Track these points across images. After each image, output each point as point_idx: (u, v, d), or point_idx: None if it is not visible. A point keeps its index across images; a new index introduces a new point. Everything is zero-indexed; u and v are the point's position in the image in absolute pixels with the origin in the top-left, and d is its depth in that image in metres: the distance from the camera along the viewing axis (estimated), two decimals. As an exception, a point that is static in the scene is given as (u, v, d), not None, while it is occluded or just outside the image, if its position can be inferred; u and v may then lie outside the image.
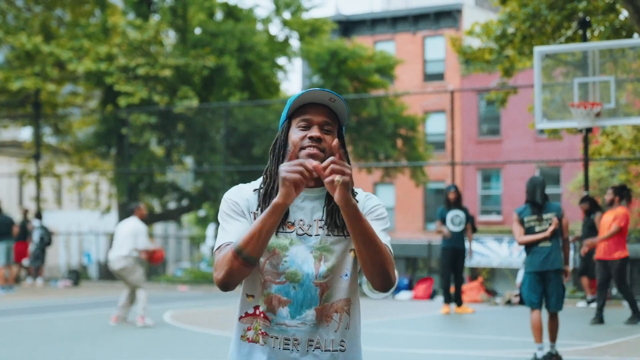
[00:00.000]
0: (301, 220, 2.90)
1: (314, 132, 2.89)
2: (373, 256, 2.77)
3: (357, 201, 2.88)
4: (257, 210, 2.91)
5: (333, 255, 2.89)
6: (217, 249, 2.85)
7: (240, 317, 2.93)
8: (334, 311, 2.89)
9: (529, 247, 9.59)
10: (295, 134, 2.92)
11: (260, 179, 3.00)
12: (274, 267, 2.86)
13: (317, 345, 2.88)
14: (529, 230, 9.58)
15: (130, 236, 13.21)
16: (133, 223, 13.36)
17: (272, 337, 2.87)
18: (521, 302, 9.98)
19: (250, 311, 2.90)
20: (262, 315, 2.88)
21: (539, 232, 9.48)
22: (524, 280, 9.60)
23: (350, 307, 2.93)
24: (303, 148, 2.87)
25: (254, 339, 2.89)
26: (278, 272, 2.86)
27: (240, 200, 2.93)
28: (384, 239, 2.89)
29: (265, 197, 2.91)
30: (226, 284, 2.79)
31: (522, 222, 9.63)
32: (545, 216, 9.55)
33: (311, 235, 2.89)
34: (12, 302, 18.10)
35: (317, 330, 2.87)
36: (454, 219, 15.28)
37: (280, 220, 2.75)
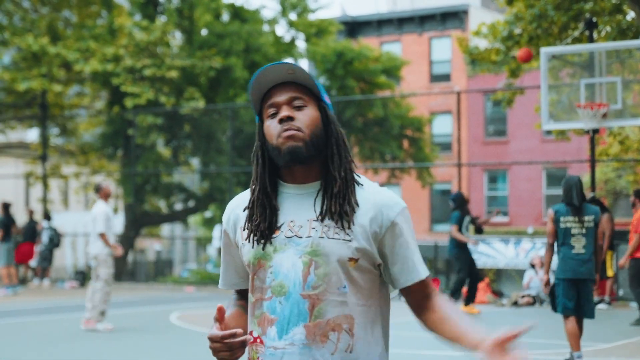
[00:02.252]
0: (292, 222, 2.51)
1: (283, 112, 2.49)
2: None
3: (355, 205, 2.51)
4: (243, 227, 2.60)
5: (326, 261, 2.45)
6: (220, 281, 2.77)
7: (249, 344, 2.57)
8: (330, 329, 2.45)
9: (562, 251, 9.15)
10: (268, 125, 2.54)
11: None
12: (262, 281, 2.52)
13: None
14: (565, 231, 9.11)
15: (91, 222, 12.62)
16: (96, 207, 12.63)
17: None
18: (553, 308, 9.40)
19: (250, 338, 2.54)
20: (258, 340, 2.52)
21: (577, 235, 9.07)
22: (557, 286, 9.16)
23: (354, 327, 2.48)
24: (278, 135, 2.49)
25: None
26: (265, 286, 2.50)
27: (228, 225, 2.65)
28: (424, 267, 2.57)
29: (251, 215, 2.57)
30: None
31: (556, 222, 9.16)
32: (585, 218, 9.09)
33: (301, 237, 2.47)
34: (19, 303, 18.13)
35: (309, 352, 2.44)
36: (467, 225, 15.30)
37: None
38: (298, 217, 2.51)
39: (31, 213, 24.37)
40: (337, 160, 2.52)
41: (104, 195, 12.68)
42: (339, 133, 2.56)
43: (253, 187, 2.58)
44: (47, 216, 23.81)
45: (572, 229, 9.10)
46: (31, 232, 23.47)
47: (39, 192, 28.88)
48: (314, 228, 2.48)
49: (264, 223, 2.52)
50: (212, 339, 2.43)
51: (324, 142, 2.53)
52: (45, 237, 23.09)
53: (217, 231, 32.34)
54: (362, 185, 2.57)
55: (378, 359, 2.58)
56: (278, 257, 2.48)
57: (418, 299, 2.60)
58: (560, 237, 9.18)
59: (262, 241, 2.51)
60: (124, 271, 26.04)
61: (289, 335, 2.44)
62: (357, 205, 2.50)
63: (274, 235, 2.50)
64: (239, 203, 2.67)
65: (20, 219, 30.06)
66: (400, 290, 2.59)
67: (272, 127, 2.52)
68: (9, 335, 12.71)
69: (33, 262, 23.48)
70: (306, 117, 2.51)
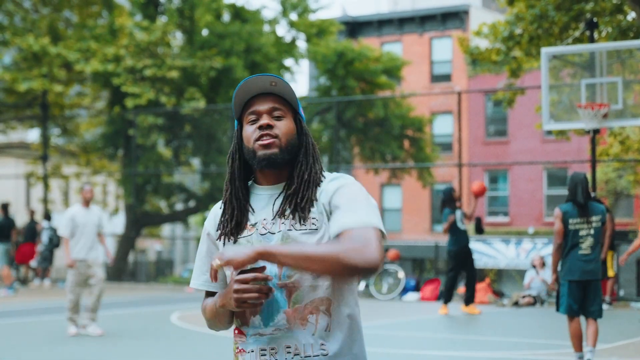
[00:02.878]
0: (264, 219, 2.73)
1: (263, 120, 2.71)
2: (322, 271, 2.52)
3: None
4: (216, 231, 2.82)
5: None
6: (192, 280, 2.91)
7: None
8: (308, 312, 2.66)
9: (568, 252, 9.08)
10: (247, 130, 2.76)
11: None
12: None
13: (296, 352, 2.66)
14: (574, 234, 9.02)
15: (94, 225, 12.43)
16: (94, 209, 12.52)
17: (249, 352, 2.72)
18: (557, 309, 9.30)
19: (232, 335, 2.81)
20: (237, 331, 2.77)
21: (585, 236, 8.99)
22: (563, 286, 9.08)
23: (332, 307, 2.67)
24: (256, 140, 2.70)
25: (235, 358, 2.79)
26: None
27: (211, 226, 2.86)
28: (350, 218, 2.58)
29: (224, 216, 2.80)
30: (210, 327, 2.94)
31: (565, 222, 9.06)
32: (593, 219, 9.00)
33: (274, 234, 2.70)
34: (19, 303, 18.14)
35: (292, 334, 2.66)
36: (462, 218, 15.28)
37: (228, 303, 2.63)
38: (269, 215, 2.73)
39: (32, 213, 24.38)
40: (303, 166, 2.75)
41: (81, 197, 12.49)
42: (309, 144, 2.79)
43: (226, 188, 2.81)
44: (47, 216, 23.81)
45: (581, 230, 9.01)
46: (32, 232, 23.47)
47: (40, 192, 28.88)
48: (283, 223, 2.70)
49: (231, 223, 2.76)
50: (242, 281, 2.56)
51: (297, 151, 2.76)
52: (45, 238, 23.09)
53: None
54: (324, 179, 2.76)
55: (355, 331, 2.74)
56: None
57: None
58: (568, 238, 9.10)
59: (231, 239, 2.75)
60: (124, 271, 26.04)
61: (274, 321, 2.67)
62: (316, 200, 2.70)
63: (250, 233, 2.73)
64: (220, 206, 2.88)
65: (21, 219, 30.08)
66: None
67: (250, 131, 2.74)
68: (9, 335, 12.71)
69: (33, 263, 23.48)
70: (284, 127, 2.73)
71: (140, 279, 28.45)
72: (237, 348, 2.75)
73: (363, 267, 2.48)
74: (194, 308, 16.81)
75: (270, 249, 2.50)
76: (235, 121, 2.84)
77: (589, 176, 19.57)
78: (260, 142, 2.70)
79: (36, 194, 33.11)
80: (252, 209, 2.76)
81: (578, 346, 9.07)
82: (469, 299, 15.45)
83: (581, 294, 9.05)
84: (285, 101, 2.77)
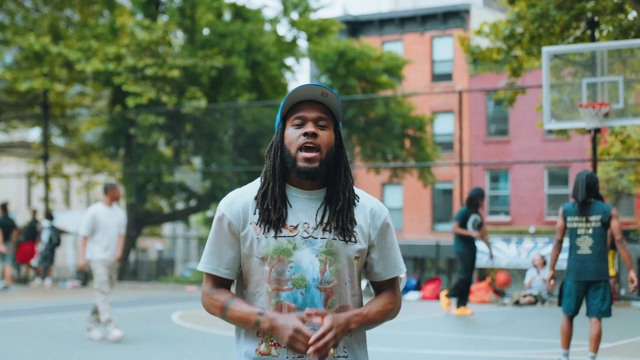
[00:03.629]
0: (305, 223, 2.85)
1: (309, 127, 2.84)
2: (378, 325, 2.96)
3: (356, 205, 2.93)
4: (257, 224, 2.87)
5: (338, 259, 2.84)
6: (205, 275, 2.94)
7: (258, 332, 2.87)
8: None
9: (569, 251, 8.99)
10: (291, 133, 2.87)
11: (258, 181, 2.95)
12: (279, 274, 2.82)
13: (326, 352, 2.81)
14: (571, 232, 8.96)
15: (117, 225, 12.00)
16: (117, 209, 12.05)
17: (284, 348, 2.82)
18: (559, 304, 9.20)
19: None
20: None
21: (583, 235, 8.86)
22: (565, 285, 9.03)
23: None
24: (300, 148, 2.83)
25: (265, 352, 2.85)
26: (285, 279, 2.82)
27: (234, 217, 2.89)
28: (399, 261, 3.02)
29: (263, 206, 2.87)
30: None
31: (565, 220, 8.99)
32: (592, 218, 8.87)
33: (317, 238, 2.84)
34: (20, 303, 18.14)
35: None
36: (474, 223, 14.94)
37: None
38: (311, 220, 2.86)
39: (34, 213, 24.40)
40: (343, 182, 2.91)
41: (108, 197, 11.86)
42: (345, 156, 2.94)
43: (265, 179, 2.91)
44: (48, 216, 23.83)
45: (578, 229, 8.92)
46: (33, 231, 23.50)
47: (41, 192, 28.89)
48: (327, 230, 2.85)
49: (275, 214, 2.85)
50: (301, 332, 2.72)
51: (334, 161, 2.90)
52: (45, 237, 23.10)
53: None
54: (358, 197, 2.95)
55: (364, 339, 2.99)
56: (298, 254, 2.82)
57: (385, 288, 3.02)
58: (568, 236, 9.06)
59: (275, 232, 2.83)
60: (125, 271, 26.04)
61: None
62: (355, 222, 2.90)
63: (292, 234, 2.84)
64: (247, 199, 2.92)
65: (22, 218, 30.10)
66: (374, 281, 3.02)
67: (294, 136, 2.86)
68: (9, 334, 12.71)
69: (34, 262, 23.49)
70: (326, 138, 2.87)
71: (141, 278, 28.45)
72: (272, 341, 2.83)
73: (393, 318, 3.01)
74: (195, 307, 16.81)
75: (350, 326, 2.81)
76: (278, 119, 2.96)
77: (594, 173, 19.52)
78: (303, 155, 2.83)
79: (37, 193, 33.11)
80: (290, 205, 2.87)
81: (565, 344, 9.04)
82: (462, 301, 15.31)
83: (581, 294, 8.96)
84: (330, 113, 2.91)
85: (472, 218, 14.82)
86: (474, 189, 15.34)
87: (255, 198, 2.90)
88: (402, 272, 2.98)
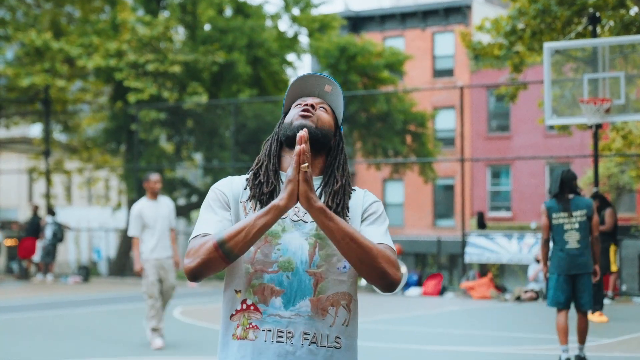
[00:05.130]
0: (296, 207, 2.75)
1: (309, 100, 2.85)
2: (357, 256, 2.63)
3: (350, 198, 2.83)
4: (247, 200, 2.79)
5: (328, 244, 2.71)
6: (193, 238, 2.70)
7: (231, 316, 2.75)
8: (329, 304, 2.72)
9: (555, 246, 9.17)
10: (290, 112, 2.88)
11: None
12: (265, 255, 2.70)
13: (313, 340, 2.70)
14: (557, 227, 9.13)
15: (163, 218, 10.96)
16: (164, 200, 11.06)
17: (264, 330, 2.69)
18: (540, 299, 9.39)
19: (239, 307, 2.73)
20: (252, 307, 2.71)
21: (569, 230, 9.07)
22: (551, 279, 9.16)
23: (351, 303, 2.78)
24: (295, 115, 2.82)
25: (242, 336, 2.72)
26: (270, 260, 2.70)
27: (227, 191, 2.81)
28: (383, 238, 2.75)
29: (255, 183, 2.80)
30: (197, 274, 2.66)
31: (550, 217, 9.18)
32: (575, 213, 9.08)
33: (307, 222, 2.74)
34: (22, 298, 18.16)
35: (312, 323, 2.70)
36: None
37: (274, 223, 2.61)
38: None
39: (36, 208, 24.41)
40: (341, 170, 2.84)
41: (147, 188, 10.92)
42: (345, 154, 2.88)
43: (261, 160, 2.85)
44: (50, 211, 23.85)
45: (565, 224, 9.12)
46: (34, 227, 23.52)
47: (43, 188, 28.90)
48: None
49: (267, 187, 2.77)
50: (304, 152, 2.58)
51: (329, 149, 2.86)
52: (48, 232, 23.12)
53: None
54: (354, 189, 2.89)
55: (356, 329, 2.86)
56: (286, 237, 2.72)
57: None
58: (553, 232, 9.22)
59: (261, 207, 2.72)
60: (127, 267, 26.07)
61: (295, 307, 2.69)
62: (348, 209, 2.81)
63: (283, 217, 2.73)
64: (240, 180, 2.87)
65: (24, 214, 30.10)
66: None
67: (292, 111, 2.85)
68: (11, 331, 12.73)
69: (36, 257, 23.51)
70: (324, 117, 2.84)
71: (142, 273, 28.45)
72: (250, 323, 2.70)
73: (390, 276, 2.68)
74: (196, 303, 16.85)
75: (329, 211, 2.61)
76: (282, 114, 2.94)
77: (591, 171, 19.52)
78: (299, 113, 2.80)
79: (39, 189, 33.13)
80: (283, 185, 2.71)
81: (563, 340, 9.13)
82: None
83: (569, 288, 9.10)
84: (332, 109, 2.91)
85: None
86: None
87: (247, 179, 2.84)
88: (391, 245, 2.77)
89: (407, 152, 29.49)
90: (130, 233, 10.74)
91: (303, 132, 2.57)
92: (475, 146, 36.02)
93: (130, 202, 26.49)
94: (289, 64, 29.02)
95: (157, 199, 10.83)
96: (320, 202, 2.60)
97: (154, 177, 10.86)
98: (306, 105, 2.82)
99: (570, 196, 9.22)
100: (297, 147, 2.56)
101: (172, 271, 10.90)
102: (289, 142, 2.80)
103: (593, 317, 13.05)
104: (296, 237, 2.72)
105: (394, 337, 11.78)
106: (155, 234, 10.67)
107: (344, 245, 2.61)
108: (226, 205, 2.79)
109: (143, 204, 10.74)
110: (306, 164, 2.55)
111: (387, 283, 2.68)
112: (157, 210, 10.75)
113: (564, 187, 9.20)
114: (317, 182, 2.82)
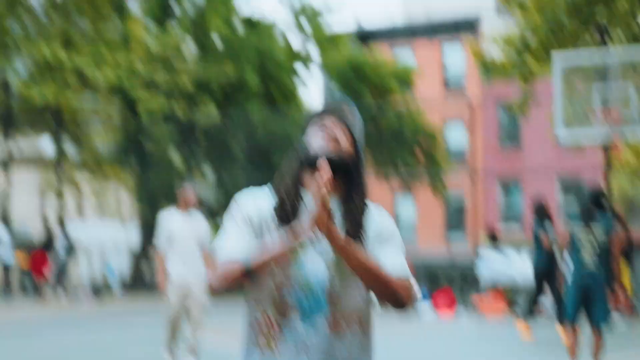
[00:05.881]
0: None
1: (327, 123, 2.87)
2: (378, 289, 2.75)
3: (363, 216, 2.83)
4: (270, 218, 2.84)
5: (346, 264, 2.75)
6: (220, 254, 2.79)
7: (251, 324, 2.86)
8: (345, 322, 2.81)
9: (573, 262, 9.19)
10: (309, 134, 2.89)
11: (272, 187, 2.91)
12: (284, 271, 2.78)
13: (330, 356, 2.79)
14: (577, 243, 9.14)
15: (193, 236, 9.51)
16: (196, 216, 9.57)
17: (282, 344, 2.79)
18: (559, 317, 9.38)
19: (259, 317, 2.83)
20: (272, 320, 2.81)
21: (587, 246, 9.08)
22: (566, 292, 9.23)
23: (367, 321, 2.88)
24: (315, 135, 2.85)
25: (265, 346, 2.82)
26: (289, 277, 2.78)
27: (254, 214, 2.85)
28: (400, 266, 2.81)
29: (278, 202, 2.84)
30: (220, 291, 2.81)
31: (571, 232, 9.22)
32: (596, 230, 9.14)
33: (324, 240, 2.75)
34: (33, 314, 18.15)
35: (328, 339, 2.78)
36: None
37: (296, 248, 2.70)
38: None
39: (46, 222, 24.41)
40: (361, 195, 2.86)
41: (180, 202, 9.45)
42: (364, 176, 2.89)
43: (283, 179, 2.87)
44: (62, 226, 23.82)
45: (583, 240, 9.14)
46: (46, 241, 23.50)
47: (54, 202, 28.96)
48: None
49: (289, 200, 2.82)
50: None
51: (346, 172, 2.84)
52: (61, 248, 23.07)
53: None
54: (370, 208, 2.90)
55: (372, 348, 2.91)
56: (305, 255, 2.78)
57: None
58: (573, 248, 9.21)
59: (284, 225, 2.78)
60: (140, 281, 26.07)
61: (312, 322, 2.77)
62: (365, 230, 2.84)
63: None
64: (263, 195, 2.90)
65: (35, 228, 30.15)
66: None
67: (311, 130, 2.88)
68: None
69: (49, 272, 23.46)
70: (344, 138, 2.87)
71: (155, 287, 28.46)
72: (270, 337, 2.80)
73: (405, 303, 2.77)
74: (211, 322, 16.79)
75: (348, 242, 2.67)
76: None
77: (602, 186, 19.42)
78: (318, 134, 2.83)
79: (50, 203, 33.20)
80: (304, 205, 2.82)
81: (572, 353, 9.19)
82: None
83: (582, 303, 9.12)
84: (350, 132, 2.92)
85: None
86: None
87: (268, 194, 2.88)
88: (409, 276, 2.83)
89: (418, 166, 29.45)
90: (157, 245, 9.43)
91: (323, 162, 2.65)
92: (486, 160, 35.93)
93: (142, 216, 26.53)
94: (299, 77, 29.02)
95: (189, 211, 9.33)
96: (342, 237, 2.67)
97: (190, 187, 9.54)
98: (323, 125, 2.86)
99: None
100: (318, 178, 2.60)
101: (199, 289, 9.19)
102: (309, 162, 2.82)
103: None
104: (314, 255, 2.79)
105: (404, 350, 11.73)
106: (183, 252, 9.18)
107: (363, 277, 2.72)
108: (248, 220, 2.84)
109: (172, 214, 9.36)
110: (327, 195, 2.59)
111: (398, 305, 2.78)
112: (188, 224, 9.26)
113: (589, 204, 9.28)
114: (334, 201, 2.82)
